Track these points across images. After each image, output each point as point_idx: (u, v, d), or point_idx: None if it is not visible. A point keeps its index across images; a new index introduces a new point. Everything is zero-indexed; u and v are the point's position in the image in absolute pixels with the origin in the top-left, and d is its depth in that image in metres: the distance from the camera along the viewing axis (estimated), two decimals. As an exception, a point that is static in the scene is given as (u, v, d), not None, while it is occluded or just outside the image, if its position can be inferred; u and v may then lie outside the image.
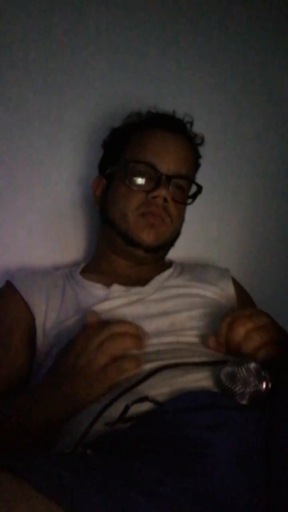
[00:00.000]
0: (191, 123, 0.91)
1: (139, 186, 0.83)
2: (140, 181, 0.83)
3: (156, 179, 0.82)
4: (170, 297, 0.80)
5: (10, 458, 0.42)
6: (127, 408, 0.58)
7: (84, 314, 0.73)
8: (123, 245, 0.85)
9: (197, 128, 0.91)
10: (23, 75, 0.98)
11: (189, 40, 1.08)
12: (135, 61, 1.05)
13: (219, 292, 0.86)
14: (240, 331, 0.65)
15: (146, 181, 0.83)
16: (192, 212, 0.93)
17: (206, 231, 1.09)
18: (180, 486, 0.47)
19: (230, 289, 0.90)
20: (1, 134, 0.97)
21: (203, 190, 0.89)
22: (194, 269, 0.92)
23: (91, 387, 0.61)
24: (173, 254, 0.94)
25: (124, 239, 0.84)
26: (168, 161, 0.82)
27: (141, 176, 0.83)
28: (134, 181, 0.83)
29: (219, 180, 1.07)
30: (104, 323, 0.64)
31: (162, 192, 0.81)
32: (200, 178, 0.92)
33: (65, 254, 1.01)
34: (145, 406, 0.59)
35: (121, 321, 0.65)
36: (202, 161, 0.93)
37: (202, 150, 0.92)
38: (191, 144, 0.88)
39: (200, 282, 0.86)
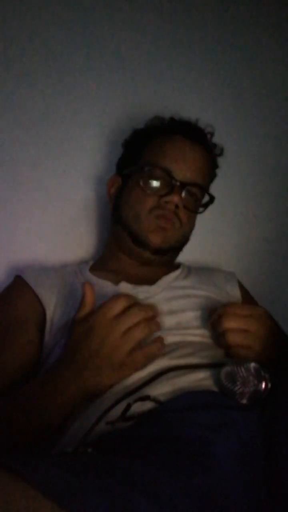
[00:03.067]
0: (212, 134, 0.92)
1: (154, 189, 0.84)
2: (155, 184, 0.84)
3: (170, 185, 0.83)
4: (177, 297, 0.80)
5: (11, 458, 0.42)
6: (128, 407, 0.58)
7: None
8: (131, 245, 0.86)
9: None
10: (38, 75, 0.98)
11: (196, 41, 1.09)
12: (150, 66, 1.06)
13: (225, 295, 0.87)
14: (222, 326, 0.67)
15: (160, 186, 0.84)
16: (199, 217, 0.93)
17: (206, 232, 1.09)
18: (180, 486, 0.47)
19: (236, 293, 0.91)
20: (14, 133, 0.97)
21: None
22: (201, 272, 0.93)
23: (118, 373, 0.62)
24: (180, 257, 0.95)
25: (133, 239, 0.85)
26: (184, 168, 0.84)
27: (156, 180, 0.84)
28: (149, 184, 0.84)
29: (219, 180, 1.06)
30: (116, 300, 0.64)
31: (174, 198, 0.82)
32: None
33: (73, 252, 1.01)
34: (146, 405, 0.59)
35: (143, 306, 0.65)
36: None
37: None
38: (209, 155, 0.89)
39: (207, 285, 0.86)
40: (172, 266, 0.93)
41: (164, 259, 0.87)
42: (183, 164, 0.84)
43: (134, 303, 0.64)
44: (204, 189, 0.88)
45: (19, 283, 0.85)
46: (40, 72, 0.99)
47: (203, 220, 0.93)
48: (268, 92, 1.12)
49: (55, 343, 0.75)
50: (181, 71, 1.08)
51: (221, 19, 1.10)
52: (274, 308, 0.73)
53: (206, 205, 0.91)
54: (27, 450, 0.60)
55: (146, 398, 0.59)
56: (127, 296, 0.65)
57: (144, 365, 0.63)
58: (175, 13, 1.07)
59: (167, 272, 0.87)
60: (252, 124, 1.11)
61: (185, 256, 0.95)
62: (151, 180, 0.85)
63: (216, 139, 0.93)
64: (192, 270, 0.93)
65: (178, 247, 0.89)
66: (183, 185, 0.83)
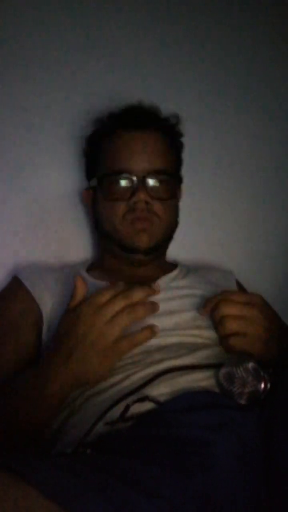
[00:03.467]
0: (158, 110, 0.88)
1: (119, 195, 0.82)
2: (117, 191, 0.82)
3: (132, 184, 0.81)
4: (175, 297, 0.80)
5: (10, 458, 0.42)
6: (127, 407, 0.58)
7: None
8: (122, 253, 0.85)
9: (197, 128, 0.90)
10: (20, 74, 0.97)
11: (188, 38, 1.07)
12: (136, 62, 1.04)
13: None
14: (220, 312, 0.66)
15: (123, 189, 0.82)
16: (192, 212, 0.92)
17: (205, 231, 1.09)
18: (180, 486, 0.47)
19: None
20: (1, 133, 0.97)
21: (204, 190, 0.88)
22: (199, 271, 0.92)
23: (104, 359, 0.62)
24: (174, 255, 0.94)
25: (121, 247, 0.84)
26: (139, 161, 0.81)
27: (118, 184, 0.82)
28: (113, 193, 0.82)
29: (219, 180, 1.06)
30: (104, 289, 0.64)
31: (140, 196, 0.80)
32: (200, 177, 0.92)
33: (70, 252, 1.00)
34: (145, 405, 0.59)
35: (129, 290, 0.64)
36: (201, 160, 0.92)
37: (201, 149, 0.92)
38: (163, 133, 0.86)
39: (205, 284, 0.86)
40: (169, 265, 0.92)
41: (158, 254, 0.87)
42: (136, 157, 0.82)
43: (122, 292, 0.64)
44: (168, 171, 0.84)
45: (15, 284, 0.85)
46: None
47: (201, 218, 0.92)
48: (269, 90, 1.11)
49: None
50: (164, 69, 1.06)
51: (220, 18, 1.10)
52: (274, 306, 0.73)
53: (178, 183, 0.87)
54: (26, 450, 0.60)
55: (145, 398, 0.59)
56: (115, 286, 0.65)
57: (128, 352, 0.63)
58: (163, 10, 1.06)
59: (165, 272, 0.87)
60: (253, 123, 1.11)
61: (184, 254, 0.95)
62: (113, 187, 0.82)
63: (215, 138, 0.92)
64: (190, 269, 0.92)
65: (167, 238, 0.88)
66: (145, 178, 0.81)
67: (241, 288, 0.94)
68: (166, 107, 0.90)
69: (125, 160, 0.82)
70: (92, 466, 0.47)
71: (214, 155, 1.06)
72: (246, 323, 0.66)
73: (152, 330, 0.63)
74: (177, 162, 0.90)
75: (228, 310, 0.66)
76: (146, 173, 0.81)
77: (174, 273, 0.88)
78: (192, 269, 0.92)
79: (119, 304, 0.62)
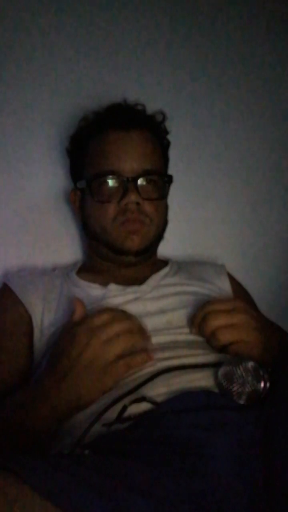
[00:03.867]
0: (143, 108, 0.88)
1: (109, 197, 0.81)
2: (107, 192, 0.81)
3: (123, 185, 0.80)
4: (166, 295, 0.80)
5: (7, 458, 0.42)
6: (124, 408, 0.58)
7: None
8: (112, 255, 0.84)
9: (196, 127, 0.90)
10: (13, 75, 0.97)
11: (187, 36, 1.07)
12: (131, 64, 1.04)
13: (216, 289, 0.86)
14: (210, 326, 0.66)
15: (113, 191, 0.81)
16: (191, 210, 0.92)
17: (204, 229, 1.09)
18: (178, 487, 0.47)
19: (227, 286, 0.90)
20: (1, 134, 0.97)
21: (202, 187, 0.87)
22: (190, 267, 0.92)
23: (98, 381, 0.60)
24: (172, 252, 0.94)
25: (111, 249, 0.84)
26: (129, 161, 0.80)
27: (107, 187, 0.81)
28: (102, 194, 0.81)
29: (218, 178, 1.06)
30: (101, 312, 0.63)
31: (131, 197, 0.79)
32: (199, 176, 0.91)
33: (62, 253, 1.00)
34: (143, 406, 0.59)
35: (124, 316, 0.63)
36: (201, 159, 0.92)
37: (201, 149, 0.91)
38: (150, 132, 0.85)
39: (197, 280, 0.86)
40: (160, 262, 0.92)
41: (148, 255, 0.86)
42: (126, 158, 0.80)
43: (119, 315, 0.63)
44: (158, 171, 0.84)
45: (5, 291, 0.84)
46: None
47: (193, 213, 0.91)
48: (269, 88, 1.11)
49: (47, 350, 0.74)
50: (161, 67, 1.06)
51: (219, 17, 1.10)
52: (266, 299, 0.73)
53: (168, 182, 0.86)
54: (24, 451, 0.60)
55: (142, 399, 0.59)
56: (113, 308, 0.64)
57: (124, 375, 0.61)
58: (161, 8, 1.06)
59: (155, 270, 0.86)
60: (252, 122, 1.10)
61: (176, 250, 0.95)
62: (102, 188, 0.81)
63: (215, 137, 0.91)
64: (181, 265, 0.92)
65: (158, 238, 0.88)
66: (135, 179, 0.80)
67: (233, 281, 0.93)
68: (164, 107, 0.90)
69: (114, 161, 0.81)
70: (89, 467, 0.47)
71: (211, 154, 1.06)
72: (238, 330, 0.66)
73: (149, 356, 0.62)
74: (165, 161, 0.90)
75: (217, 322, 0.66)
76: (137, 173, 0.80)
77: (165, 270, 0.87)
78: (183, 266, 0.92)
79: (116, 328, 0.61)
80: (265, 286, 1.07)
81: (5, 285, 0.85)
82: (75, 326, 0.63)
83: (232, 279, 0.94)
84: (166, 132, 0.91)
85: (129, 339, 0.61)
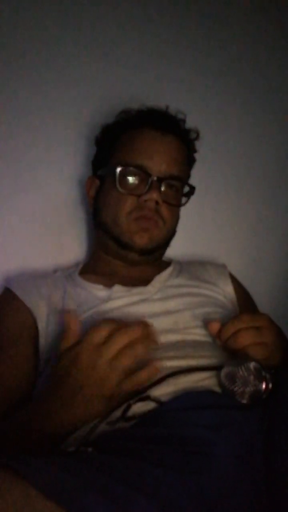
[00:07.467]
0: (184, 120, 0.89)
1: (130, 190, 0.81)
2: (130, 184, 0.82)
3: (147, 182, 0.80)
4: (172, 296, 0.80)
5: (11, 458, 0.42)
6: (128, 406, 0.59)
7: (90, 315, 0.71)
8: (116, 248, 0.84)
9: (197, 127, 0.90)
10: (19, 72, 0.97)
11: (189, 35, 1.07)
12: (135, 59, 1.04)
13: (218, 290, 0.87)
14: (240, 343, 0.63)
15: (136, 185, 0.82)
16: (191, 210, 0.92)
17: (205, 229, 1.09)
18: (181, 486, 0.47)
19: (229, 286, 0.90)
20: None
21: (203, 187, 0.87)
22: (192, 268, 0.92)
23: (108, 404, 0.58)
24: (172, 252, 0.94)
25: (117, 242, 0.84)
26: (159, 162, 0.81)
27: (132, 179, 0.81)
28: (125, 185, 0.82)
29: (218, 178, 1.06)
30: (99, 327, 0.59)
31: (153, 195, 0.79)
32: (199, 175, 0.91)
33: (64, 254, 1.00)
34: (147, 405, 0.59)
35: (122, 326, 0.59)
36: (201, 158, 0.92)
37: (201, 148, 0.91)
38: (183, 143, 0.86)
39: (200, 281, 0.86)
40: (163, 263, 0.92)
41: (152, 258, 0.86)
42: (156, 158, 0.81)
43: (118, 327, 0.58)
44: (183, 180, 0.85)
45: (8, 296, 0.83)
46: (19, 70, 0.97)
47: (193, 213, 0.91)
48: (269, 87, 1.11)
49: (50, 355, 0.73)
50: (164, 66, 1.06)
51: (221, 17, 1.09)
52: (266, 299, 0.73)
53: (187, 195, 0.88)
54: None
55: (147, 398, 0.60)
56: (109, 321, 0.60)
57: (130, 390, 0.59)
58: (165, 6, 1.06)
59: (159, 271, 0.86)
60: (252, 121, 1.10)
61: (177, 249, 0.94)
62: (126, 181, 0.81)
63: (215, 136, 0.92)
64: (183, 266, 0.92)
65: (165, 243, 0.88)
66: (161, 180, 0.81)
67: (235, 281, 0.93)
68: (166, 103, 0.89)
69: (145, 158, 0.82)
70: (93, 466, 0.47)
71: (214, 155, 1.06)
72: (268, 349, 0.64)
73: (155, 368, 0.59)
74: (189, 175, 0.91)
75: (249, 340, 0.63)
76: (163, 175, 0.81)
77: (168, 271, 0.87)
78: (185, 266, 0.92)
79: (118, 342, 0.57)
80: (265, 286, 1.07)
81: (7, 289, 0.84)
82: (76, 346, 0.59)
83: (233, 279, 0.94)
84: (195, 150, 0.91)
85: (133, 352, 0.58)
